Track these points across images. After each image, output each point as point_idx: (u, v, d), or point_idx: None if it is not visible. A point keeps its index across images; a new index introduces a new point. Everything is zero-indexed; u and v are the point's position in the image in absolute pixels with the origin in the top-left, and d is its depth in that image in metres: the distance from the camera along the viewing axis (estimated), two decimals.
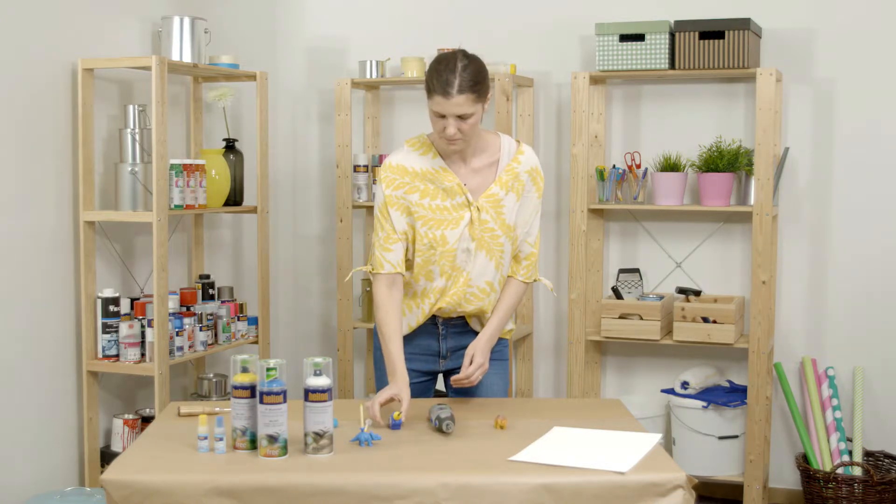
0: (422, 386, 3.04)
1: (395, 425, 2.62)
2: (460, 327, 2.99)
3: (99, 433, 3.78)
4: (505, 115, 4.12)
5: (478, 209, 2.85)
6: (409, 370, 2.90)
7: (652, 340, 4.08)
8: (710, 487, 4.25)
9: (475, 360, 2.86)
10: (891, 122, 4.06)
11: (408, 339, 2.96)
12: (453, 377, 2.87)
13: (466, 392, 3.00)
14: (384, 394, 2.71)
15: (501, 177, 2.88)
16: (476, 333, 2.97)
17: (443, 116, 2.72)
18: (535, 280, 3.02)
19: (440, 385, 3.19)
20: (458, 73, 2.69)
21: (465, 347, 2.97)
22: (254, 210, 4.25)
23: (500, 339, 3.04)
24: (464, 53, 2.76)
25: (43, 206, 3.56)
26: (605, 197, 4.25)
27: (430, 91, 2.72)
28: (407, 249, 2.88)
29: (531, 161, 2.92)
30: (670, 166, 4.18)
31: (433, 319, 2.97)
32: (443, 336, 2.99)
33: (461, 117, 2.71)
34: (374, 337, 3.08)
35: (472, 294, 2.90)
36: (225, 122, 4.25)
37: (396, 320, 2.85)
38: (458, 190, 2.85)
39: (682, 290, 4.23)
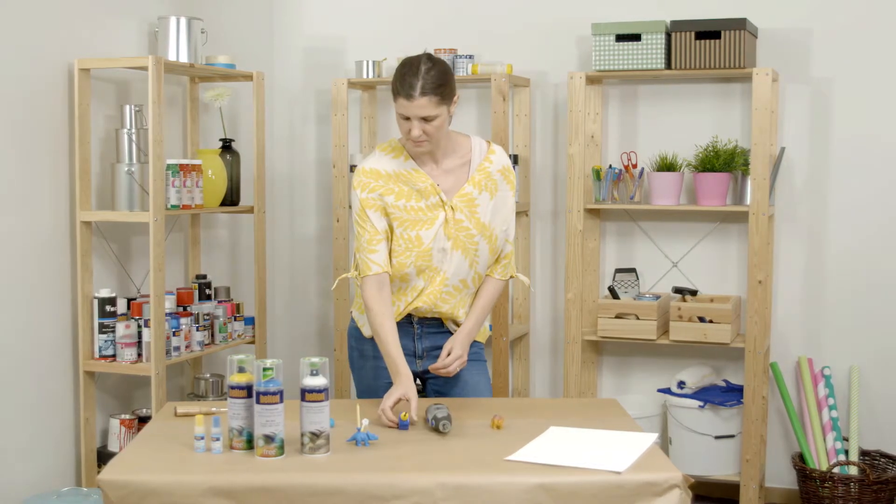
0: None
1: (404, 425, 2.63)
2: (436, 327, 3.02)
3: (96, 433, 3.78)
4: (502, 114, 4.12)
5: (452, 209, 2.89)
6: (385, 369, 2.95)
7: (648, 340, 4.08)
8: (707, 487, 4.25)
9: (453, 352, 2.90)
10: (887, 122, 4.06)
11: None
12: (431, 365, 2.90)
13: (452, 392, 3.03)
14: (393, 395, 2.73)
15: (474, 176, 2.93)
16: (451, 334, 3.01)
17: (408, 119, 2.78)
18: (511, 277, 3.07)
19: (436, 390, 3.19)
20: (421, 76, 2.74)
21: (440, 347, 3.00)
22: (250, 210, 4.26)
23: (475, 342, 3.09)
24: (428, 57, 2.81)
25: (39, 206, 3.56)
26: (601, 197, 4.26)
27: (395, 94, 2.79)
28: (390, 250, 2.92)
29: (502, 160, 2.99)
30: (667, 166, 4.18)
31: (409, 318, 3.00)
32: (418, 336, 3.02)
33: (425, 119, 2.77)
34: (348, 337, 3.13)
35: (447, 293, 2.94)
36: (221, 122, 4.25)
37: (391, 322, 2.88)
38: (432, 190, 2.89)
39: (678, 290, 4.23)
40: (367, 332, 3.05)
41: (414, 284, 2.92)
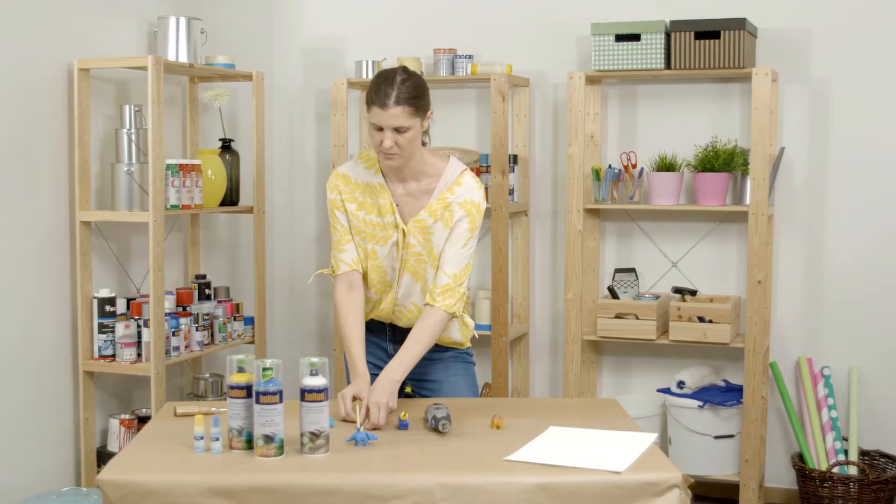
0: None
1: (403, 425, 2.63)
2: (408, 330, 3.01)
3: (95, 433, 3.78)
4: (501, 115, 4.12)
5: (404, 233, 2.88)
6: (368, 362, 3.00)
7: (648, 340, 4.08)
8: (706, 487, 4.25)
9: (372, 397, 2.69)
10: (886, 122, 4.06)
11: None
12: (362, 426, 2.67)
13: (429, 395, 3.04)
14: (347, 395, 2.73)
15: (432, 204, 2.88)
16: None
17: (381, 129, 2.74)
18: (454, 314, 2.89)
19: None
20: (397, 86, 2.72)
21: None
22: (250, 210, 4.26)
23: (460, 349, 3.08)
24: (404, 69, 2.79)
25: (39, 206, 3.56)
26: (601, 197, 4.26)
27: (369, 104, 2.76)
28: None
29: (467, 194, 2.87)
30: (666, 166, 4.18)
31: (380, 322, 3.06)
32: (390, 338, 3.06)
33: (398, 130, 2.73)
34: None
35: (401, 312, 2.99)
36: (221, 122, 4.25)
37: (357, 322, 2.90)
38: (390, 209, 2.89)
39: (678, 290, 4.23)
40: None
41: (369, 296, 2.98)
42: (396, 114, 2.71)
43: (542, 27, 4.44)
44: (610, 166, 4.28)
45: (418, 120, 2.76)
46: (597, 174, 4.25)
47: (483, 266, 4.42)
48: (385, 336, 3.07)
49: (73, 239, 3.67)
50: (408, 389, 3.20)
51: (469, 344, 3.10)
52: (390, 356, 3.04)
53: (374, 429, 2.64)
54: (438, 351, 3.04)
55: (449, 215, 2.87)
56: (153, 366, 3.60)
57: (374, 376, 3.08)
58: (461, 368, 3.07)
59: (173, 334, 3.77)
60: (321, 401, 2.39)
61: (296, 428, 2.45)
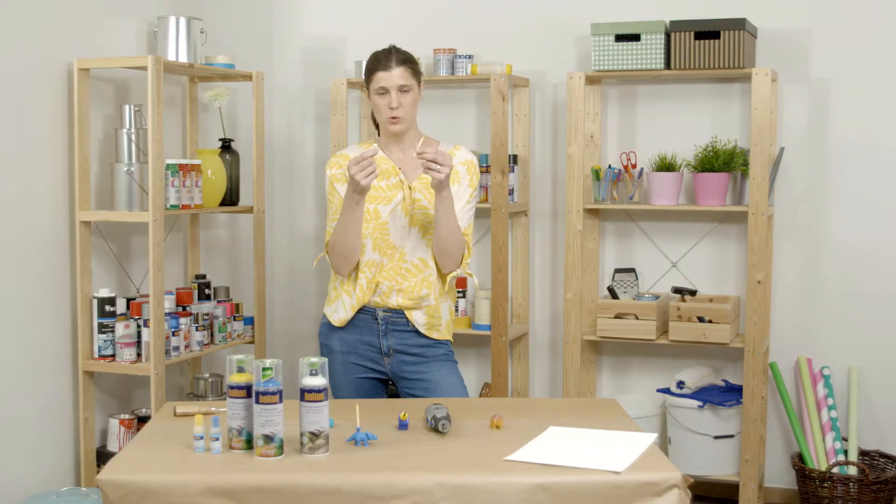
0: (370, 384, 3.14)
1: (403, 425, 2.63)
2: (401, 325, 3.08)
3: (95, 433, 3.78)
4: (501, 115, 4.12)
5: (410, 188, 3.05)
6: (353, 364, 3.11)
7: (648, 340, 4.08)
8: (706, 487, 4.26)
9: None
10: (885, 122, 4.06)
11: (349, 332, 3.10)
12: (420, 154, 2.88)
13: (424, 394, 3.07)
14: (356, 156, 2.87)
15: None
16: (416, 332, 3.09)
17: (385, 93, 3.01)
18: (464, 258, 3.08)
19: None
20: (394, 53, 3.06)
21: (406, 345, 3.09)
22: (250, 210, 4.26)
23: (444, 342, 3.15)
24: (394, 46, 3.11)
25: (39, 206, 3.56)
26: (600, 197, 4.26)
27: (372, 73, 3.04)
28: None
29: (466, 156, 3.14)
30: (666, 166, 4.18)
31: (373, 315, 3.06)
32: (383, 333, 3.08)
33: (402, 90, 3.01)
34: (319, 336, 3.19)
35: (407, 269, 3.05)
36: (221, 121, 4.25)
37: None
38: (393, 171, 3.08)
39: (677, 290, 4.23)
40: (336, 319, 3.11)
41: (371, 258, 3.04)
42: (400, 72, 3.02)
43: (541, 27, 4.44)
44: (610, 166, 4.28)
45: (416, 83, 3.06)
46: (596, 174, 4.25)
47: (483, 266, 4.42)
48: (376, 332, 3.08)
49: (72, 239, 3.68)
50: (391, 387, 3.23)
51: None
52: (384, 354, 3.07)
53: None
54: (430, 348, 3.10)
55: (454, 174, 3.08)
56: (153, 366, 3.61)
57: (367, 380, 3.12)
58: (452, 368, 3.15)
59: (173, 334, 3.78)
60: (321, 401, 2.39)
61: (296, 428, 2.45)
